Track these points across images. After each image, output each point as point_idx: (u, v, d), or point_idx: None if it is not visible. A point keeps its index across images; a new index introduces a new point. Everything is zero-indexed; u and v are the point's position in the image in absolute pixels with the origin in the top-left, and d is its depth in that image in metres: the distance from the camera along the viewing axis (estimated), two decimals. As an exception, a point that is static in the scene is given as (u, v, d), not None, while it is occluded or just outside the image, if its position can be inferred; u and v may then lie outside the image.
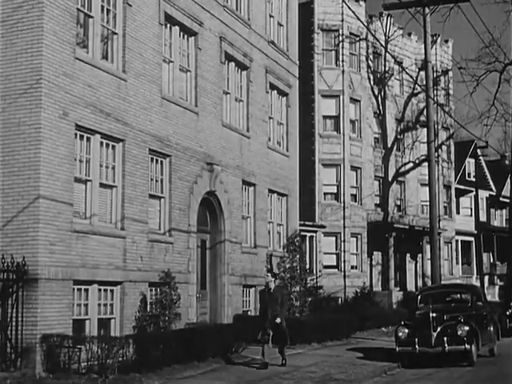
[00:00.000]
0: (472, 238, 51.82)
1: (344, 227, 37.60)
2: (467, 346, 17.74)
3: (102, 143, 17.30)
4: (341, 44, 38.60)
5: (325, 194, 37.79)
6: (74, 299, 16.00)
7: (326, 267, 35.98)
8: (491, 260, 53.72)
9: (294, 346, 20.79)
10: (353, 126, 39.02)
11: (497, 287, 50.47)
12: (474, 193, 50.73)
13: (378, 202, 41.63)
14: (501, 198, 55.26)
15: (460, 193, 50.81)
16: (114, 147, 17.74)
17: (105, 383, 13.94)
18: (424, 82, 28.80)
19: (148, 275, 18.52)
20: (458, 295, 21.45)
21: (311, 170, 37.08)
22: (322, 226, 36.67)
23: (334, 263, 37.38)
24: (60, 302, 15.28)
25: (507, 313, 28.56)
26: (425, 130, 33.16)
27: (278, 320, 17.11)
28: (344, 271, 37.24)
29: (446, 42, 48.13)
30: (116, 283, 17.40)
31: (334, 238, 37.59)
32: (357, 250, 38.43)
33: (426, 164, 31.47)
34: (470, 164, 52.84)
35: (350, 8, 23.43)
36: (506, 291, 39.44)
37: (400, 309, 34.31)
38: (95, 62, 17.07)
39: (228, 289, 22.89)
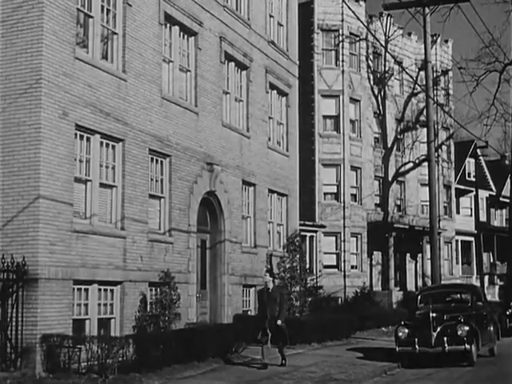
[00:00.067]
0: (472, 238, 51.82)
1: (344, 227, 37.60)
2: (467, 346, 17.75)
3: (101, 143, 17.29)
4: (341, 44, 38.60)
5: (325, 193, 37.79)
6: (74, 299, 15.99)
7: (325, 267, 35.99)
8: (491, 260, 53.71)
9: (294, 345, 20.81)
10: (353, 126, 39.02)
11: (497, 287, 50.47)
12: (474, 193, 50.72)
13: (377, 202, 41.63)
14: (501, 198, 55.24)
15: (460, 193, 50.79)
16: (113, 147, 17.74)
17: (105, 383, 13.94)
18: (424, 82, 28.78)
19: (148, 275, 18.52)
20: (458, 295, 21.45)
21: (311, 169, 37.08)
22: (322, 226, 36.67)
23: (334, 263, 37.38)
24: (60, 301, 15.28)
25: (507, 313, 28.55)
26: (425, 129, 33.14)
27: (279, 322, 17.12)
28: (344, 271, 37.23)
29: (446, 42, 48.12)
30: (116, 283, 17.40)
31: (333, 238, 37.60)
32: (357, 250, 38.43)
33: (425, 164, 31.48)
34: (469, 164, 52.84)
35: (349, 8, 23.41)
36: (506, 291, 39.41)
37: (400, 309, 34.29)
38: (95, 61, 17.06)
39: (228, 289, 22.89)
